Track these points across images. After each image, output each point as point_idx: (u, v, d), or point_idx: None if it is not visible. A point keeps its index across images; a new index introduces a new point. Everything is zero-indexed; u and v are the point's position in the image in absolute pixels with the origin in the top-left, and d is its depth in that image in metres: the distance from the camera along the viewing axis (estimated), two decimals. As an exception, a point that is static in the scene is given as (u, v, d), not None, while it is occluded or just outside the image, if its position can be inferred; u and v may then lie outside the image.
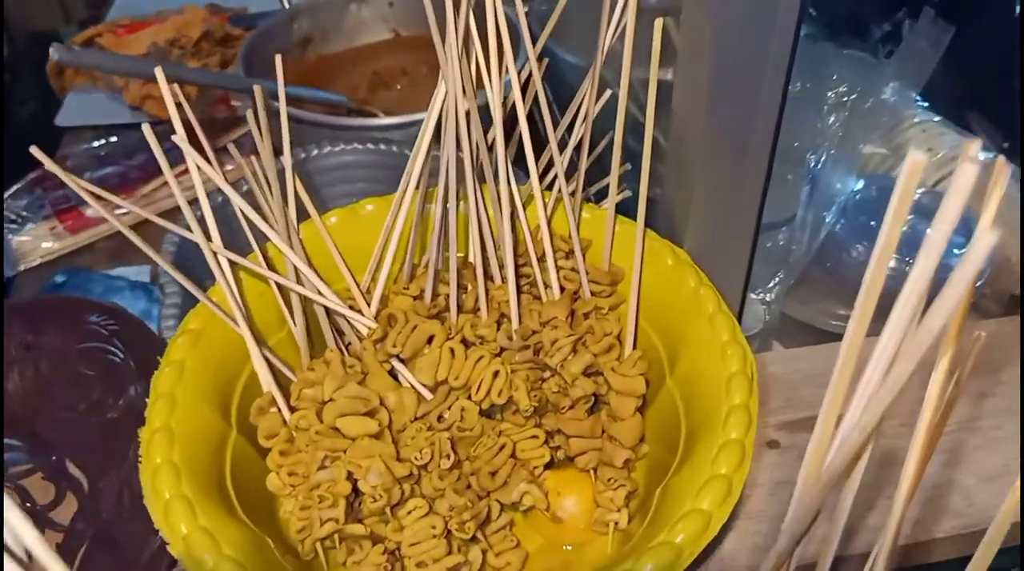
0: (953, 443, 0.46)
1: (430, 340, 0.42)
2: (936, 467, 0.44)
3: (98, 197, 0.40)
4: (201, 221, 0.42)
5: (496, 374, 0.42)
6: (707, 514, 0.35)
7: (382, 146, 0.64)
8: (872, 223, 0.54)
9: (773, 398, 0.48)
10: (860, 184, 0.55)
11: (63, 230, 0.73)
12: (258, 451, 0.42)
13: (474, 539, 0.40)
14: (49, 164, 0.39)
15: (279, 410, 0.42)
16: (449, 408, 0.42)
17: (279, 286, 0.43)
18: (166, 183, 0.63)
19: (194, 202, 0.43)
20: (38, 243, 0.72)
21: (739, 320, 0.49)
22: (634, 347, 0.44)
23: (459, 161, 0.42)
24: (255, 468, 0.41)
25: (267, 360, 0.42)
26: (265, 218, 0.43)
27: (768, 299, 0.52)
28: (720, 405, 0.38)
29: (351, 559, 0.40)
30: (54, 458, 0.46)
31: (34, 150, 0.39)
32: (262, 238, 0.44)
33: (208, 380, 0.41)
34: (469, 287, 0.45)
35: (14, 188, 0.75)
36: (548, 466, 0.43)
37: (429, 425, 0.41)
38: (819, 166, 0.50)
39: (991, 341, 0.50)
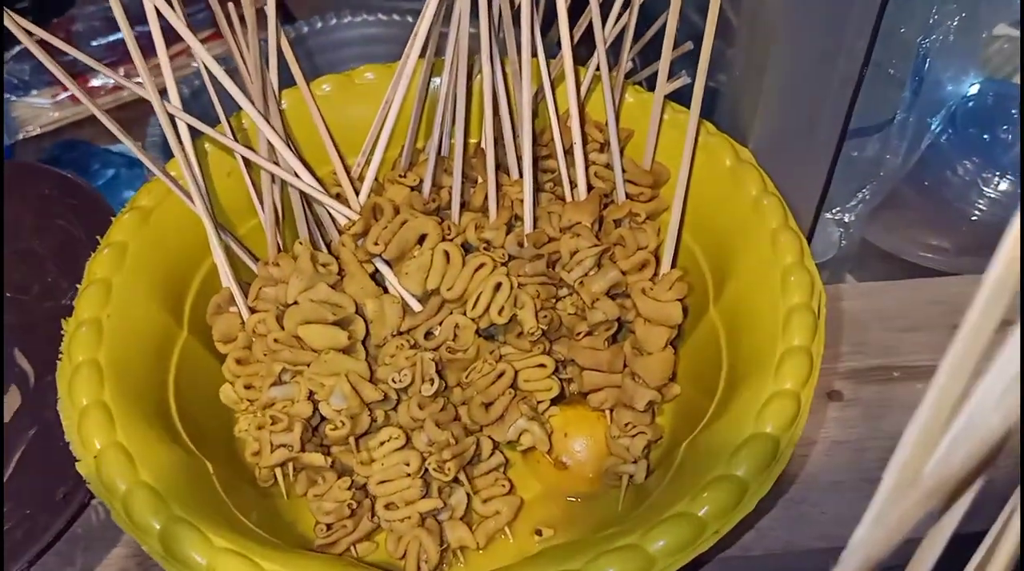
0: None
1: (422, 240, 0.35)
2: None
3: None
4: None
5: (498, 287, 0.34)
6: (743, 483, 0.27)
7: (409, 18, 0.56)
8: (985, 137, 0.44)
9: (841, 340, 0.40)
10: (975, 87, 0.45)
11: (66, 99, 0.67)
12: (216, 357, 0.36)
13: (457, 482, 0.33)
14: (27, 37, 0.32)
15: (239, 311, 0.35)
16: (440, 324, 0.35)
17: (247, 163, 0.36)
18: (179, 54, 0.56)
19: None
20: (39, 111, 0.67)
21: (809, 242, 0.40)
22: (673, 265, 0.36)
23: (476, 24, 0.34)
24: (208, 377, 0.35)
25: (228, 250, 0.35)
26: (243, 88, 0.35)
27: (847, 220, 0.43)
28: (774, 345, 0.30)
29: (312, 491, 0.33)
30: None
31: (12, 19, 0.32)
32: (234, 108, 0.36)
33: (156, 269, 0.34)
34: (479, 180, 0.38)
35: (16, 49, 0.69)
36: (556, 401, 0.35)
37: (413, 342, 0.34)
38: (928, 59, 0.40)
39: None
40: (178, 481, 0.29)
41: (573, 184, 0.37)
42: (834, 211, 0.43)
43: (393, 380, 0.33)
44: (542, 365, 0.35)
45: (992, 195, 0.43)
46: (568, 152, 0.37)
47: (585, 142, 0.37)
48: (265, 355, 0.34)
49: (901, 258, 0.45)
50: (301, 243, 0.36)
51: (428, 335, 0.35)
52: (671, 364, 0.34)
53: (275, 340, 0.33)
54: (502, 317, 0.34)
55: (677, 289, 0.35)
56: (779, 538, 0.34)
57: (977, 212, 0.44)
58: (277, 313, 0.34)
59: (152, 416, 0.31)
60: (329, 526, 0.32)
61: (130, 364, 0.32)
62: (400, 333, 0.34)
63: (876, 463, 0.36)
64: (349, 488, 0.33)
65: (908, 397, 0.38)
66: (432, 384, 0.33)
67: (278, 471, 0.34)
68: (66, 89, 0.69)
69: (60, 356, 0.31)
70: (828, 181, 0.38)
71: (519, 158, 0.36)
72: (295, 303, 0.33)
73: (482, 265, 0.34)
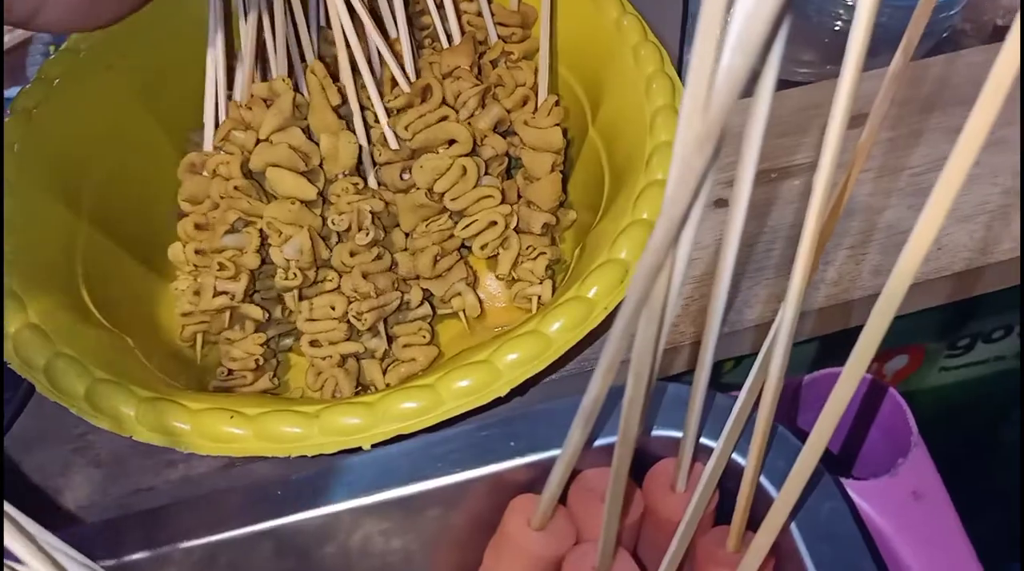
0: (924, 184, 0.40)
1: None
2: (903, 211, 0.39)
3: None
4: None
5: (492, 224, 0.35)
6: (624, 263, 0.30)
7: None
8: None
9: (722, 153, 0.42)
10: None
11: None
12: (120, 245, 0.36)
13: (372, 331, 0.35)
14: None
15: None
16: (421, 166, 0.35)
17: None
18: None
19: None
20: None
21: (679, 65, 0.42)
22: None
23: None
24: (116, 264, 0.36)
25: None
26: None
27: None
28: (644, 145, 0.32)
29: (227, 334, 0.35)
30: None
31: None
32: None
33: (46, 166, 0.35)
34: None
35: None
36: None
37: (362, 186, 0.35)
38: None
39: (969, 72, 0.44)
40: (98, 352, 0.30)
41: (449, 36, 0.38)
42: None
43: (332, 221, 0.34)
44: (490, 197, 0.36)
45: (851, 3, 0.45)
46: (440, 6, 0.38)
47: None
48: (222, 199, 0.34)
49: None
50: (283, 79, 0.36)
51: (404, 174, 0.36)
52: (559, 186, 0.36)
53: (235, 186, 0.34)
54: (483, 252, 0.35)
55: (555, 114, 0.36)
56: (679, 331, 0.37)
57: (839, 23, 0.46)
58: (243, 159, 0.35)
59: (64, 301, 0.32)
60: (230, 372, 0.34)
61: (35, 256, 0.32)
62: (348, 174, 0.36)
63: (763, 253, 0.38)
64: (263, 345, 0.34)
65: (785, 194, 0.40)
66: (367, 234, 0.34)
67: (198, 337, 0.35)
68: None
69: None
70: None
71: (393, 17, 0.37)
72: (267, 141, 0.34)
73: (489, 197, 0.35)
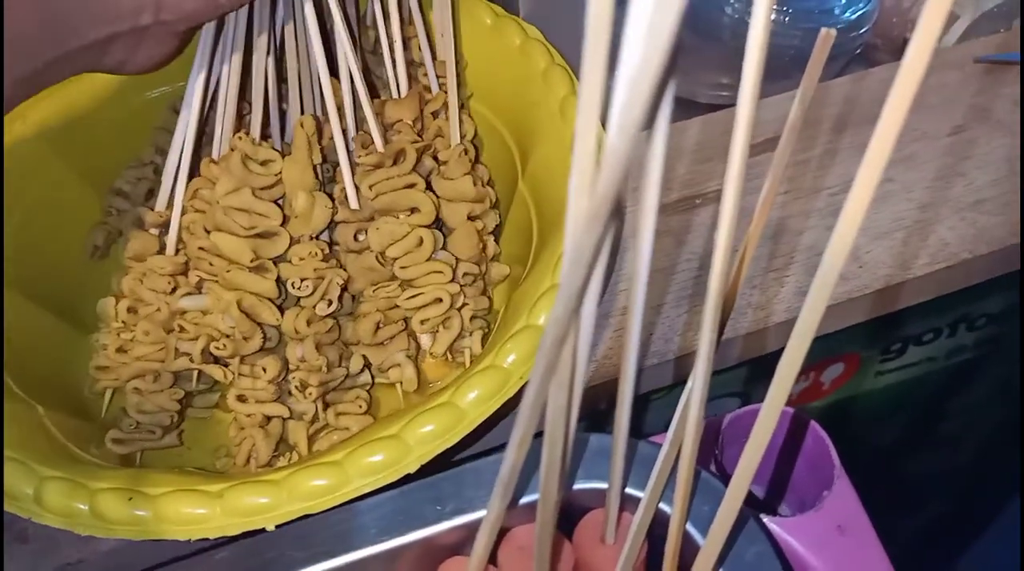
0: (840, 204, 0.40)
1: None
2: (821, 232, 0.39)
3: None
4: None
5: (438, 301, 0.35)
6: (541, 329, 0.29)
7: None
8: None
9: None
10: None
11: None
12: (40, 306, 0.35)
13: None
14: None
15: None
16: (378, 228, 0.34)
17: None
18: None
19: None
20: None
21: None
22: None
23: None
24: (33, 326, 0.35)
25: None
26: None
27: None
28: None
29: (138, 383, 0.33)
30: None
31: None
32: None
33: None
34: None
35: None
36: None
37: (327, 252, 0.35)
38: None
39: (878, 89, 0.45)
40: (9, 428, 0.29)
41: (398, 86, 0.38)
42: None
43: (293, 284, 0.33)
44: (440, 273, 0.35)
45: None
46: (392, 56, 0.37)
47: (405, 44, 0.38)
48: (191, 259, 0.34)
49: (695, 101, 0.48)
50: (242, 137, 0.35)
51: (359, 234, 0.35)
52: (474, 236, 0.36)
53: (199, 248, 0.33)
54: (423, 327, 0.35)
55: (462, 163, 0.36)
56: (612, 363, 0.37)
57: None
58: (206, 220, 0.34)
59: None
60: (137, 424, 0.33)
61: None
62: (317, 237, 0.35)
63: (689, 280, 0.39)
64: (179, 401, 0.34)
65: (708, 219, 0.41)
66: (329, 305, 0.33)
67: (107, 392, 0.34)
68: None
69: None
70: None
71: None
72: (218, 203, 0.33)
73: (440, 272, 0.35)
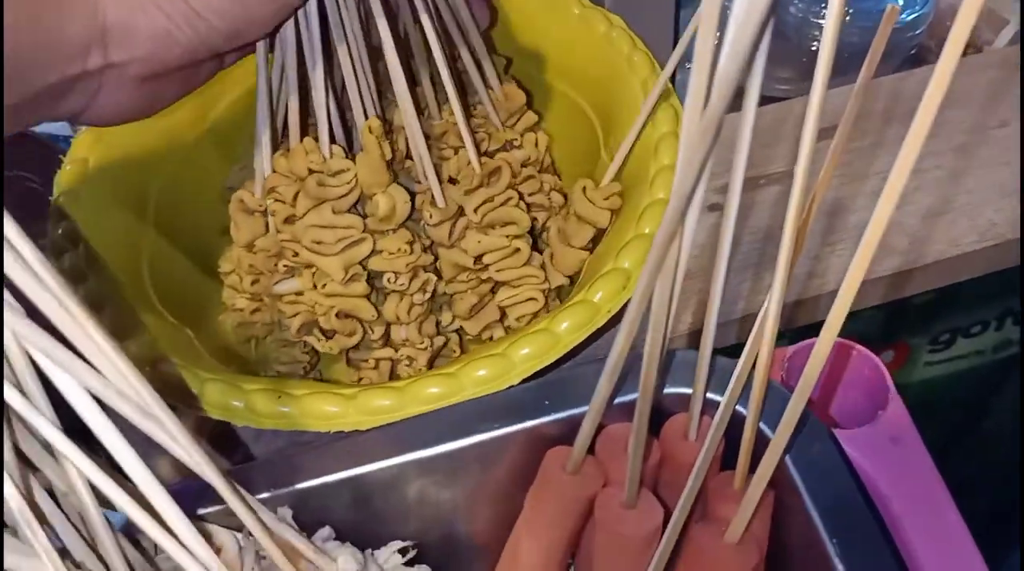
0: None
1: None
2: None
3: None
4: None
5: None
6: (627, 272, 0.33)
7: None
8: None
9: (714, 162, 0.47)
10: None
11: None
12: (178, 248, 0.40)
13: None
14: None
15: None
16: (479, 241, 0.37)
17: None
18: None
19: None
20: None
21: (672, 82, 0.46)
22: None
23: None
24: (176, 264, 0.40)
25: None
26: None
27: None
28: (648, 166, 0.37)
29: (273, 337, 0.38)
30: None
31: None
32: None
33: (114, 177, 0.39)
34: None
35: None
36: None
37: (414, 240, 0.36)
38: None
39: (918, 89, 0.49)
40: (164, 341, 0.34)
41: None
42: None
43: (389, 279, 0.36)
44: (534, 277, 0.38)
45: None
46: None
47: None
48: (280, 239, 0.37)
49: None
50: (308, 150, 0.36)
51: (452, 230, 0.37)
52: (583, 261, 0.38)
53: (284, 240, 0.36)
54: (519, 323, 0.38)
55: (612, 201, 0.38)
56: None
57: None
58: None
59: (134, 297, 0.36)
60: (279, 372, 0.37)
61: (107, 256, 0.36)
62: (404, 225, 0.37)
63: (752, 252, 0.43)
64: (307, 353, 0.38)
65: (770, 198, 0.45)
66: (424, 294, 0.37)
67: (252, 341, 0.39)
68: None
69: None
70: (676, 28, 0.44)
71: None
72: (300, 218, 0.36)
73: (534, 276, 0.38)
